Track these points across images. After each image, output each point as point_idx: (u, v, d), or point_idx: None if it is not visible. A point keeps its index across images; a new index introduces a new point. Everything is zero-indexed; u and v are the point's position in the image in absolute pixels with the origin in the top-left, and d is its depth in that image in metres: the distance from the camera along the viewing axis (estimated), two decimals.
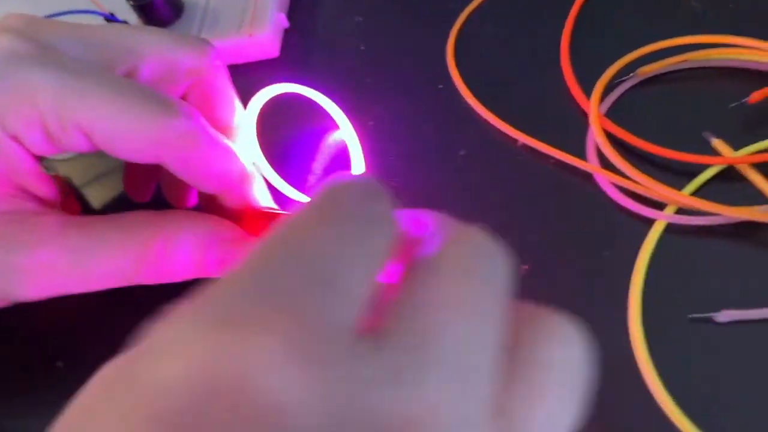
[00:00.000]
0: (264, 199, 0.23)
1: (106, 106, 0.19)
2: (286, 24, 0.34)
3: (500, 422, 0.12)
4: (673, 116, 0.26)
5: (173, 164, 0.20)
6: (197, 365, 0.10)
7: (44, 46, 0.20)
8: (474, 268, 0.13)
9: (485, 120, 0.28)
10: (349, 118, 0.27)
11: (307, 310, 0.11)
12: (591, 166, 0.25)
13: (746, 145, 0.24)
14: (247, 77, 0.29)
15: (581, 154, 0.26)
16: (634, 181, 0.24)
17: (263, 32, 0.32)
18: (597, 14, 0.30)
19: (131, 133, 0.20)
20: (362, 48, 0.32)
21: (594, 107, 0.26)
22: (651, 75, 0.27)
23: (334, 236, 0.12)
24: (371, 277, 0.12)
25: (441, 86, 0.30)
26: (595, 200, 0.25)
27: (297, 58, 0.33)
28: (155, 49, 0.22)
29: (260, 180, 0.24)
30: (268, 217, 0.23)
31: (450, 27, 0.31)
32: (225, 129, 0.24)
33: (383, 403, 0.11)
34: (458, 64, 0.30)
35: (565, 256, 0.24)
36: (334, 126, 0.27)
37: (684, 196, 0.23)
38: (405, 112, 0.29)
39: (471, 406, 0.11)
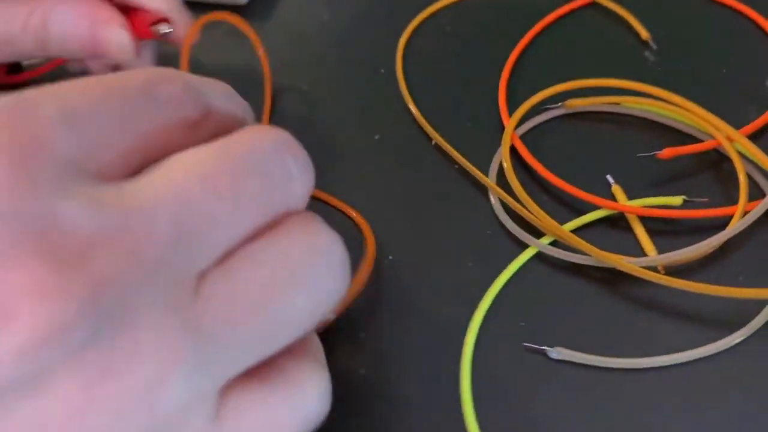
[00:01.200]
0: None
1: None
2: None
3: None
4: (587, 153, 0.26)
5: None
6: None
7: None
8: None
9: (410, 112, 0.28)
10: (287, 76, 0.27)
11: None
12: (487, 179, 0.25)
13: (642, 197, 0.24)
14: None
15: (486, 168, 0.26)
16: (521, 203, 0.24)
17: None
18: (551, 43, 0.30)
19: None
20: (325, 18, 0.32)
21: (510, 125, 0.26)
22: (579, 110, 0.27)
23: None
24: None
25: (383, 70, 0.30)
26: (481, 213, 0.25)
27: (263, 11, 0.33)
28: None
29: None
30: (150, 18, 0.25)
31: (411, 21, 0.31)
32: None
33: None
34: (405, 56, 0.30)
35: (432, 256, 0.24)
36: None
37: (561, 229, 0.23)
38: (339, 82, 0.29)
39: None
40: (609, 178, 0.25)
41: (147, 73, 0.15)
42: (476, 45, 0.30)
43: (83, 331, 0.11)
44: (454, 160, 0.26)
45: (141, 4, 0.25)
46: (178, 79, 0.15)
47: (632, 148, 0.25)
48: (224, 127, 0.15)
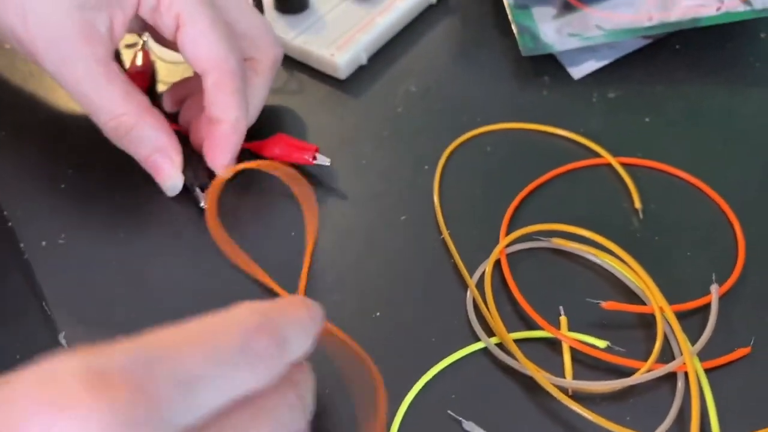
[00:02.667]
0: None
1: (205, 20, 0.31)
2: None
3: None
4: (554, 283, 0.32)
5: (209, 83, 0.32)
6: None
7: None
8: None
9: (433, 204, 0.35)
10: (352, 147, 0.35)
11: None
12: (468, 278, 0.32)
13: (580, 331, 0.30)
14: None
15: (473, 269, 0.32)
16: (485, 305, 0.31)
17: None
18: (563, 185, 0.36)
19: (205, 45, 0.31)
20: (399, 110, 0.40)
21: (502, 243, 0.33)
22: (561, 248, 0.33)
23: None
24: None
25: (426, 167, 0.37)
26: (457, 302, 0.31)
27: (357, 87, 0.41)
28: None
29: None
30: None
31: (462, 133, 0.38)
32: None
33: None
34: (448, 160, 0.37)
35: (401, 323, 0.31)
36: None
37: (506, 335, 0.30)
38: (391, 164, 0.37)
39: None
40: (561, 309, 0.31)
41: (245, 331, 0.17)
42: (505, 168, 0.37)
43: None
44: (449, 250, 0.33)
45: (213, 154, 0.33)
46: (272, 337, 0.18)
47: (587, 291, 0.31)
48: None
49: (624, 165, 0.36)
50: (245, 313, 0.18)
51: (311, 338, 0.20)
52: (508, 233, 0.33)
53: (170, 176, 0.33)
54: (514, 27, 0.42)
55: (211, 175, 0.34)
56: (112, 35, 0.31)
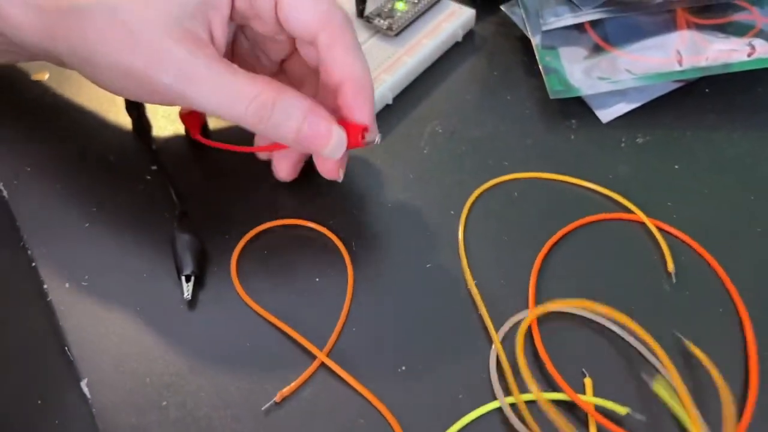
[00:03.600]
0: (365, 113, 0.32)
1: None
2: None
3: None
4: (580, 348, 0.31)
5: (323, 44, 0.31)
6: None
7: None
8: None
9: (458, 251, 0.35)
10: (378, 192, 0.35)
11: None
12: (494, 333, 0.31)
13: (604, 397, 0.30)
14: None
15: (500, 323, 0.32)
16: (508, 362, 0.30)
17: None
18: (592, 237, 0.36)
19: (309, 5, 0.31)
20: (426, 151, 0.40)
21: (533, 314, 0.32)
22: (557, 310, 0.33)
23: None
24: None
25: (452, 212, 0.37)
26: (481, 356, 0.31)
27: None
28: None
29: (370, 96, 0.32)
30: (356, 128, 0.31)
31: (491, 179, 0.38)
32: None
33: None
34: (474, 205, 0.37)
35: (424, 373, 0.30)
36: None
37: (519, 396, 0.29)
38: (416, 210, 0.37)
39: None
40: (584, 371, 0.30)
41: None
42: (531, 216, 0.36)
43: None
44: (475, 302, 0.32)
45: (351, 117, 0.31)
46: None
47: (614, 361, 0.31)
48: None
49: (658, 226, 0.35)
50: None
51: None
52: (536, 286, 0.33)
53: (330, 134, 0.30)
54: (541, 68, 0.42)
55: (202, 266, 0.34)
56: (214, 39, 0.31)
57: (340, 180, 0.35)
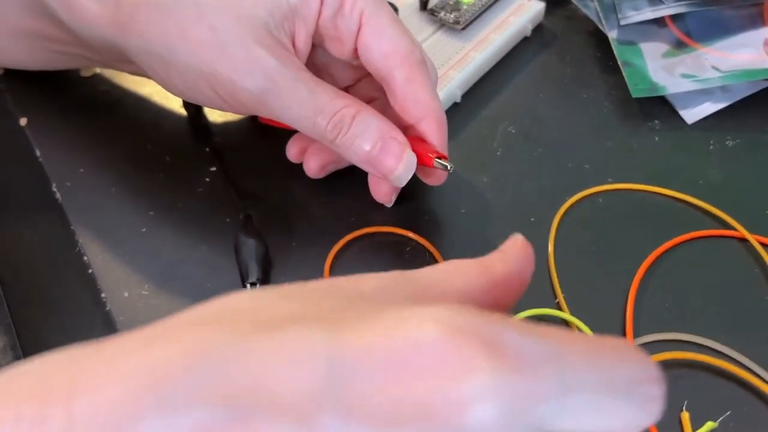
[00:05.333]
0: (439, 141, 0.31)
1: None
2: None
3: None
4: (680, 384, 0.29)
5: (400, 78, 0.30)
6: None
7: None
8: None
9: (549, 266, 0.32)
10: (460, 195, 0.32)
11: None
12: None
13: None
14: None
15: None
16: None
17: None
18: (691, 255, 0.33)
19: (390, 38, 0.30)
20: (498, 153, 0.37)
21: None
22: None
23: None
24: None
25: (533, 219, 0.34)
26: None
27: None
28: None
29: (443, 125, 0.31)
30: (429, 149, 0.30)
31: (584, 189, 0.36)
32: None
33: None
34: (565, 216, 0.34)
35: None
36: None
37: None
38: (497, 213, 0.34)
39: None
40: (684, 403, 0.28)
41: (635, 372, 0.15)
42: (627, 229, 0.34)
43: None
44: (570, 323, 0.30)
45: (427, 132, 0.30)
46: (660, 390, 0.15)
47: (714, 399, 0.28)
48: None
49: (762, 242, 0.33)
50: (635, 355, 0.15)
51: None
52: (633, 314, 0.30)
53: (400, 158, 0.29)
54: (621, 65, 0.39)
55: (267, 272, 0.32)
56: (297, 51, 0.30)
57: (389, 206, 0.34)
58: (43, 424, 0.13)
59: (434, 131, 0.31)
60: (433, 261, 0.33)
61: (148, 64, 0.30)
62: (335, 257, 0.33)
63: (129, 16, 0.29)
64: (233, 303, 0.16)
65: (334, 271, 0.32)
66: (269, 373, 0.13)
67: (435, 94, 0.31)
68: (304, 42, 0.30)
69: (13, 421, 0.13)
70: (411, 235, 0.33)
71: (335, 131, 0.29)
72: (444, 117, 0.31)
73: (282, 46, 0.29)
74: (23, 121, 0.38)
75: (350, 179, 0.34)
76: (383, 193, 0.33)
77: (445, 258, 0.33)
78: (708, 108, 0.38)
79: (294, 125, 0.30)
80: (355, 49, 0.31)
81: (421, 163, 0.30)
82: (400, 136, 0.29)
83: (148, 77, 0.32)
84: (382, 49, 0.30)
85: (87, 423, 0.13)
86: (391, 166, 0.29)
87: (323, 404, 0.13)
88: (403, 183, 0.30)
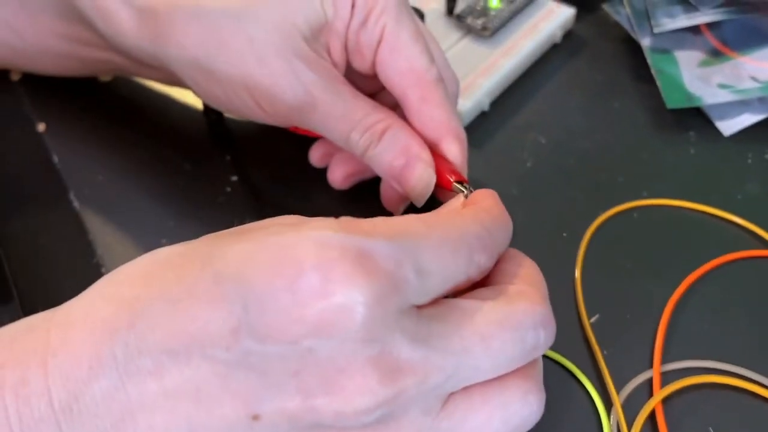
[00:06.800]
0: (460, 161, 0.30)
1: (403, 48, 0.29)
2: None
3: None
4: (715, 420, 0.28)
5: (414, 97, 0.29)
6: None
7: None
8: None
9: (573, 280, 0.31)
10: None
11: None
12: (616, 397, 0.28)
13: None
14: None
15: (621, 382, 0.28)
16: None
17: None
18: (731, 277, 0.32)
19: (407, 56, 0.29)
20: (529, 165, 0.36)
21: (658, 396, 0.28)
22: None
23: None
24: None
25: (565, 234, 0.33)
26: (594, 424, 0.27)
27: (479, 138, 0.37)
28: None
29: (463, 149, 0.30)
30: (449, 168, 0.29)
31: (618, 204, 0.34)
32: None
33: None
34: (596, 231, 0.33)
35: None
36: None
37: None
38: (526, 228, 0.33)
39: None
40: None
41: (476, 236, 0.22)
42: (662, 248, 0.32)
43: (374, 417, 0.19)
44: (592, 348, 0.29)
45: (446, 154, 0.29)
46: (493, 246, 0.22)
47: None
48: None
49: None
50: (472, 223, 0.22)
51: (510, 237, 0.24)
52: (664, 339, 0.29)
53: (422, 176, 0.28)
54: (654, 74, 0.38)
55: None
56: (335, 62, 0.29)
57: (397, 215, 0.32)
58: (26, 383, 0.18)
59: (451, 152, 0.30)
60: None
61: (188, 75, 0.29)
62: None
63: (167, 26, 0.28)
64: (151, 262, 0.20)
65: None
66: (196, 321, 0.18)
67: (452, 112, 0.30)
68: (339, 54, 0.29)
69: None
70: None
71: (365, 145, 0.28)
72: (463, 135, 0.30)
73: (321, 58, 0.28)
74: (41, 127, 0.38)
75: (374, 190, 0.33)
76: (393, 201, 0.32)
77: None
78: (746, 119, 0.37)
79: (329, 137, 0.29)
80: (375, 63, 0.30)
81: (440, 184, 0.29)
82: (425, 155, 0.29)
83: (185, 87, 0.32)
84: (398, 66, 0.29)
85: (61, 377, 0.18)
86: (412, 185, 0.29)
87: (242, 335, 0.18)
88: (421, 203, 0.29)
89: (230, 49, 0.27)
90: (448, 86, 0.31)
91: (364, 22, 0.29)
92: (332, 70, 0.28)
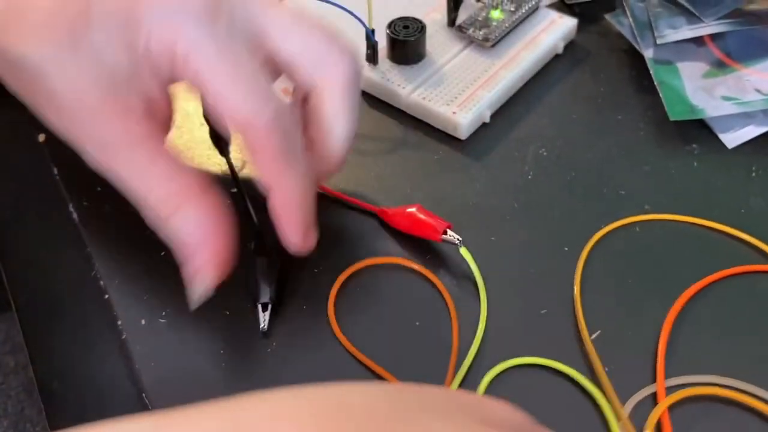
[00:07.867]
0: None
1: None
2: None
3: None
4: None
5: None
6: None
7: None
8: None
9: (573, 293, 0.31)
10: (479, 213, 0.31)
11: None
12: (622, 411, 0.27)
13: None
14: None
15: (626, 395, 0.28)
16: None
17: None
18: (736, 290, 0.32)
19: (229, 101, 0.26)
20: (530, 176, 0.36)
21: (662, 405, 0.28)
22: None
23: None
24: None
25: (566, 248, 0.33)
26: None
27: (477, 149, 0.37)
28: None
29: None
30: None
31: (619, 219, 0.34)
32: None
33: None
34: (595, 246, 0.33)
35: None
36: None
37: None
38: (522, 240, 0.33)
39: None
40: None
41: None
42: (663, 262, 0.32)
43: None
44: (592, 363, 0.28)
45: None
46: None
47: None
48: None
49: None
50: None
51: None
52: (665, 354, 0.29)
53: (199, 276, 0.26)
54: (657, 85, 0.38)
55: (280, 295, 0.31)
56: (152, 110, 0.27)
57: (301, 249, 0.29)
58: None
59: (281, 209, 0.28)
60: (440, 299, 0.31)
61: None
62: (347, 278, 0.32)
63: None
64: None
65: (345, 291, 0.31)
66: None
67: (287, 165, 0.27)
68: (159, 99, 0.27)
69: None
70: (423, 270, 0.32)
71: (155, 219, 0.27)
72: (299, 197, 0.28)
73: (123, 110, 0.26)
74: (41, 138, 0.38)
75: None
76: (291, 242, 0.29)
77: (458, 290, 0.31)
78: (750, 132, 0.37)
79: (132, 197, 0.27)
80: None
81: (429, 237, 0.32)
82: (206, 252, 0.26)
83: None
84: (220, 115, 0.27)
85: None
86: (190, 276, 0.27)
87: None
88: (195, 295, 0.27)
89: (34, 95, 0.27)
90: (330, 74, 0.28)
91: (173, 70, 0.26)
92: (137, 124, 0.26)
